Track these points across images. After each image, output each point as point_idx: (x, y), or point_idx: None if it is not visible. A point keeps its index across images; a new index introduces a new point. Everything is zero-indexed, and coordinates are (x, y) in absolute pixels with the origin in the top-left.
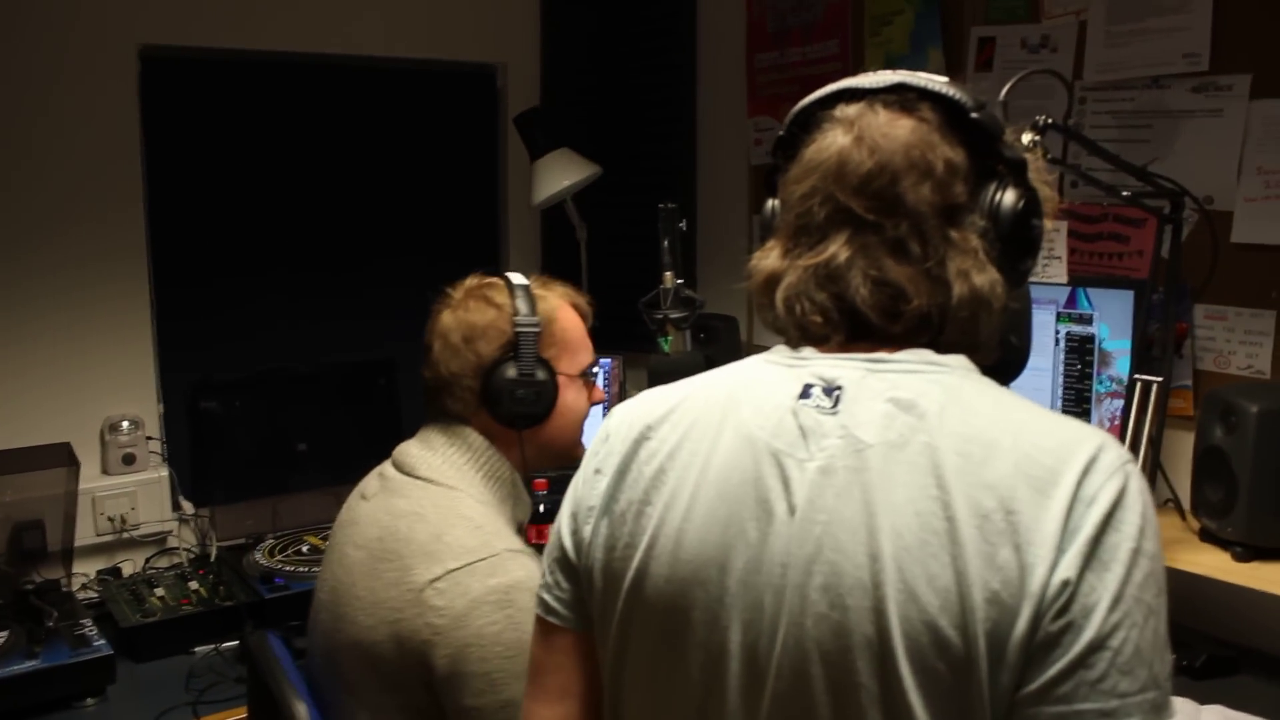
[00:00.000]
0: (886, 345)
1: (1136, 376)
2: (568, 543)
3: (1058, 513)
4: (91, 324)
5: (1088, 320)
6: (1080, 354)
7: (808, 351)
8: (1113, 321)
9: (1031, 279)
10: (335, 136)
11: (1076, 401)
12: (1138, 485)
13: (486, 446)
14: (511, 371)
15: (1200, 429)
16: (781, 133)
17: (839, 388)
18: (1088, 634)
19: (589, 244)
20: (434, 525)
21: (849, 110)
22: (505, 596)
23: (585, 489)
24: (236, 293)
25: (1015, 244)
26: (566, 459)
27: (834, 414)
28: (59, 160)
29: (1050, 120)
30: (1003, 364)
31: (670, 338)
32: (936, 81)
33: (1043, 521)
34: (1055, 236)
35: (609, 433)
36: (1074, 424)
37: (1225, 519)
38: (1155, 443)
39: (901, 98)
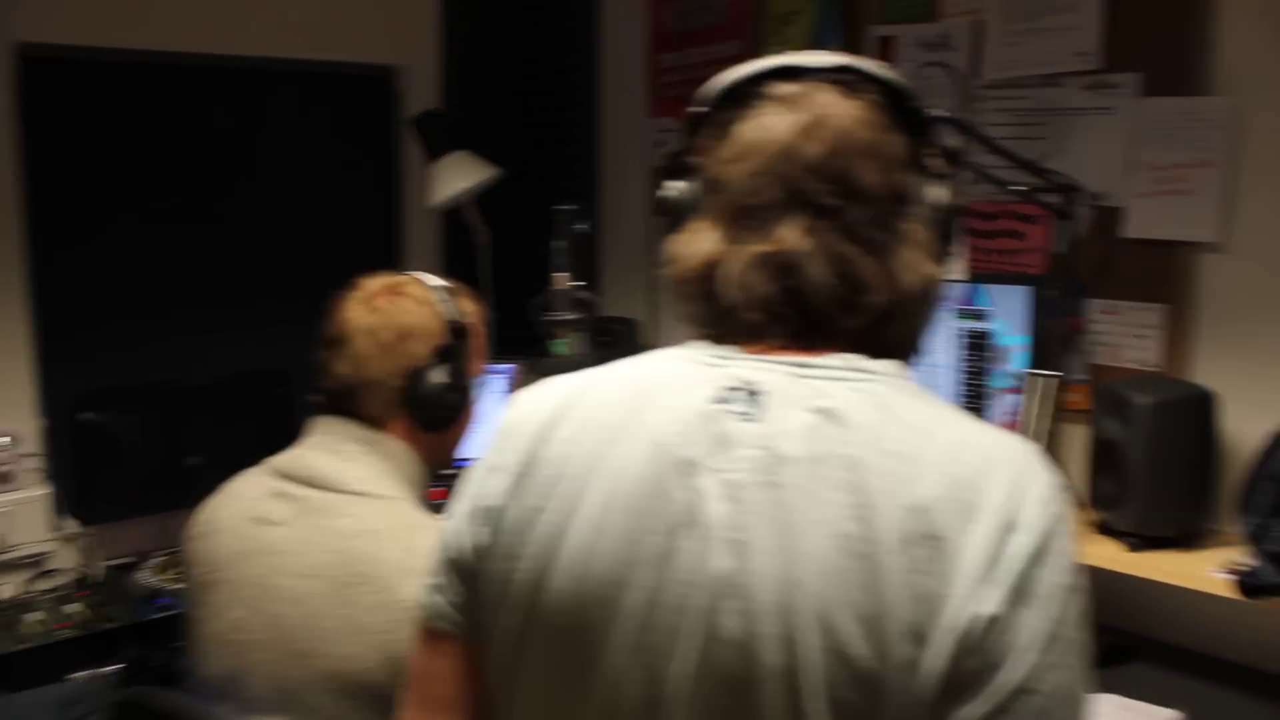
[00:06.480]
0: (826, 344)
1: (1032, 372)
2: (465, 544)
3: (981, 538)
4: None
5: (985, 316)
6: (978, 350)
7: (729, 350)
8: (1009, 317)
9: None
10: (227, 140)
11: (974, 397)
12: (1067, 512)
13: (405, 451)
14: (441, 374)
15: (1094, 422)
16: (702, 109)
17: (761, 393)
18: (1013, 676)
19: (490, 248)
20: (398, 539)
21: (788, 88)
22: None
23: (479, 487)
24: (124, 303)
25: (947, 239)
26: (449, 464)
27: (754, 422)
28: None
29: (945, 114)
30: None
31: (565, 340)
32: (880, 66)
33: (964, 548)
34: None
35: (508, 427)
36: (1001, 437)
37: (1118, 510)
38: (1052, 437)
39: (847, 79)
